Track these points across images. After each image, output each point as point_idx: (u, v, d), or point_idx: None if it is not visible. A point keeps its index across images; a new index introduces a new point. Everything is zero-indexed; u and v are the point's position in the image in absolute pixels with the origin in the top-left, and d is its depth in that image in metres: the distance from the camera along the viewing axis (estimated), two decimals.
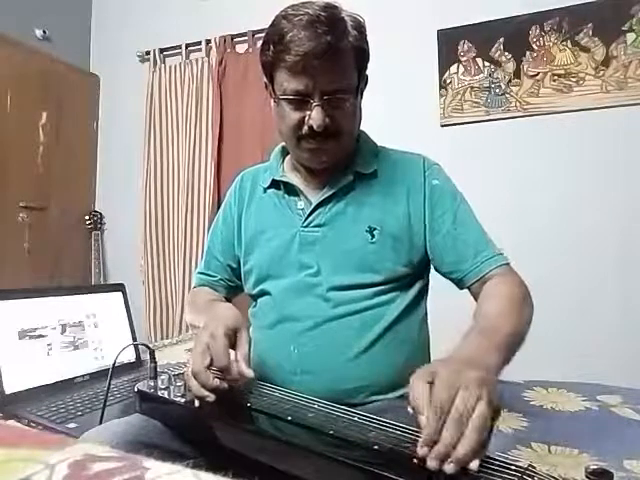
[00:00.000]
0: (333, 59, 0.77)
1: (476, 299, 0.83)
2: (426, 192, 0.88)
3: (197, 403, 0.67)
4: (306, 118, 0.80)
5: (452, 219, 0.86)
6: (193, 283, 1.07)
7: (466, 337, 0.66)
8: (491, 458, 0.50)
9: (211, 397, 0.65)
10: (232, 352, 0.70)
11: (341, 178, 0.88)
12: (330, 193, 0.88)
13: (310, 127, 0.80)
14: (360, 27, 0.82)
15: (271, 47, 0.80)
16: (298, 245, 0.88)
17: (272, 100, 0.86)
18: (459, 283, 0.87)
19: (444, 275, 0.89)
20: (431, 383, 0.51)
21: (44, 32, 2.72)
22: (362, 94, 0.89)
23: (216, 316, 0.75)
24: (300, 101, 0.80)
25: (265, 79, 0.87)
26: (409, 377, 0.55)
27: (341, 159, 0.89)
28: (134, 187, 2.86)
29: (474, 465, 0.46)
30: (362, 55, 0.83)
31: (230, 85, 2.65)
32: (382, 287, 0.85)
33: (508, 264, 0.84)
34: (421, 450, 0.48)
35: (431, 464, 0.46)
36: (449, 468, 0.46)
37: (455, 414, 0.47)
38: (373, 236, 0.85)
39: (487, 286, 0.81)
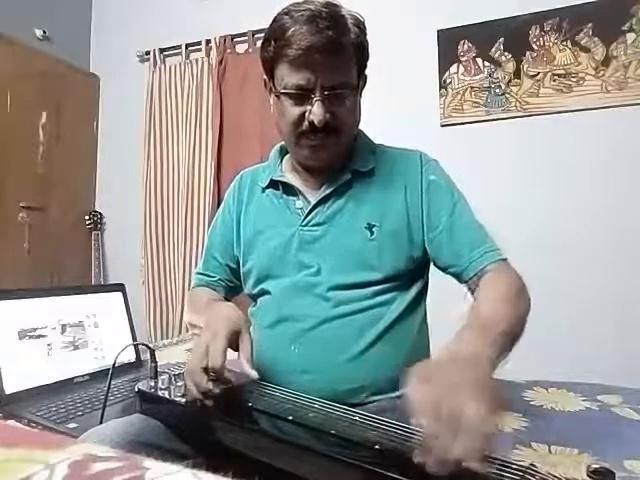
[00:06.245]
0: (334, 54, 0.77)
1: (472, 294, 0.82)
2: (423, 187, 0.88)
3: (197, 402, 0.67)
4: (307, 113, 0.80)
5: (449, 214, 0.86)
6: (192, 283, 1.07)
7: (461, 334, 0.64)
8: (493, 457, 0.50)
9: (207, 402, 0.65)
10: (235, 353, 0.70)
11: (339, 177, 0.88)
12: (328, 192, 0.88)
13: (311, 123, 0.80)
14: (360, 25, 0.83)
15: (272, 42, 0.80)
16: (297, 244, 0.88)
17: (272, 97, 0.86)
18: (458, 277, 0.86)
19: (442, 270, 0.88)
20: (426, 385, 0.51)
21: (44, 32, 2.72)
22: (361, 93, 0.89)
23: (218, 316, 0.74)
24: (301, 96, 0.80)
25: (265, 76, 0.87)
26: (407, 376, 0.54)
27: (339, 157, 0.89)
28: (134, 187, 2.86)
29: (475, 464, 0.46)
30: (362, 52, 0.84)
31: (230, 85, 2.65)
32: (382, 286, 0.85)
33: (505, 259, 0.84)
34: (418, 456, 0.48)
35: (430, 469, 0.47)
36: (446, 470, 0.46)
37: (449, 418, 0.47)
38: (372, 233, 0.85)
39: (482, 281, 0.80)
